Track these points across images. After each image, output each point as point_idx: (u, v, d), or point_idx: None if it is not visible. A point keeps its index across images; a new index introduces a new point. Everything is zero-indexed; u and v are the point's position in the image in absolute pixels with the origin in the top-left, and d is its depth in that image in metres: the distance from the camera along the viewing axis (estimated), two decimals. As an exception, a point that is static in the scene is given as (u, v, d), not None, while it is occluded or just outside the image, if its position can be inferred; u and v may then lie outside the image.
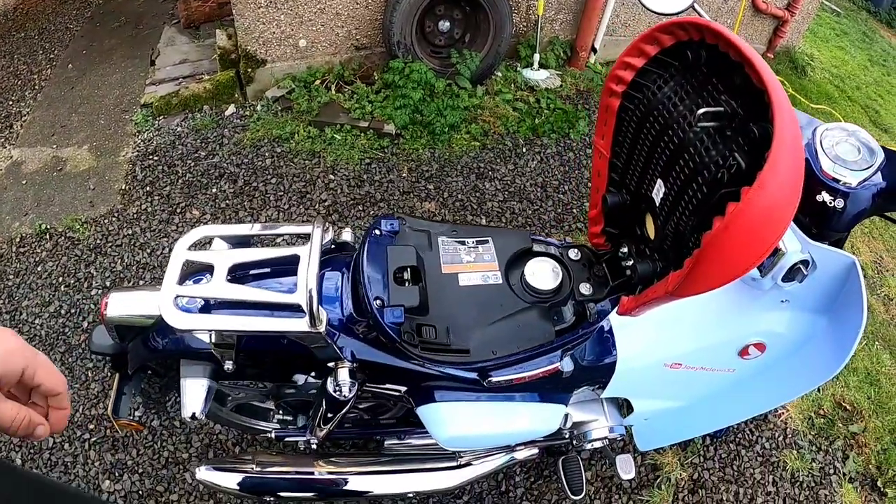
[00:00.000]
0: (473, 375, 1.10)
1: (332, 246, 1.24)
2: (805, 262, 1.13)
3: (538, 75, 3.12)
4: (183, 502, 1.83)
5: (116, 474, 1.84)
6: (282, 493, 1.51)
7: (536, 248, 1.19)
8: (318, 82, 3.00)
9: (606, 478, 2.01)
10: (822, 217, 1.14)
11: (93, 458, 1.86)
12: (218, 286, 1.02)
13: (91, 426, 1.91)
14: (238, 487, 1.48)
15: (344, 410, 1.20)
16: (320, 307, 0.98)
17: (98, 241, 2.44)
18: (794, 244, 1.13)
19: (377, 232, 1.14)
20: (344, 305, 1.11)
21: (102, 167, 2.73)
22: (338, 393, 1.10)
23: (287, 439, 1.63)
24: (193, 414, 1.19)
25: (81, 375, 2.08)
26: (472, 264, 1.14)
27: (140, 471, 1.85)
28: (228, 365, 1.13)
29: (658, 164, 0.99)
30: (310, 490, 1.51)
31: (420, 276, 1.09)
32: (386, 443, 1.62)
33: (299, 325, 0.98)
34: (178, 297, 1.00)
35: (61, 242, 2.46)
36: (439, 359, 1.04)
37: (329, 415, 1.23)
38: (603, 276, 1.17)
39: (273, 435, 1.64)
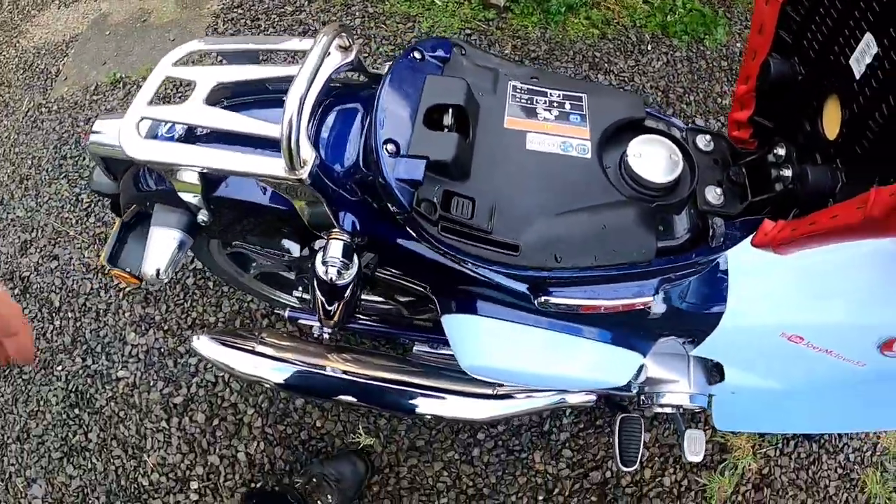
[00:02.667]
0: (522, 287, 0.70)
1: (360, 77, 0.85)
2: None
3: (680, -31, 2.53)
4: (200, 367, 1.68)
5: (143, 328, 1.73)
6: (276, 381, 1.21)
7: (651, 123, 0.76)
8: (434, -62, 2.53)
9: (667, 445, 1.62)
10: None
11: (125, 308, 1.76)
12: (189, 108, 0.74)
13: (138, 285, 1.76)
14: (231, 365, 1.20)
15: (345, 300, 0.85)
16: (305, 145, 0.64)
17: (168, 91, 2.23)
18: None
19: (416, 55, 0.74)
20: (350, 153, 0.74)
21: (185, 19, 2.56)
22: (325, 274, 0.74)
23: (301, 321, 1.32)
24: (157, 271, 0.91)
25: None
26: (550, 124, 0.72)
27: (166, 328, 1.72)
28: (202, 216, 0.85)
29: (870, 7, 0.52)
30: (308, 385, 1.20)
31: (467, 126, 0.68)
32: (415, 348, 1.28)
33: (274, 166, 0.66)
34: (143, 119, 0.74)
35: (133, 91, 2.30)
36: (468, 249, 0.64)
37: (327, 303, 0.88)
38: (741, 185, 0.73)
39: (287, 314, 1.33)
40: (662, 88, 2.21)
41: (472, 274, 0.73)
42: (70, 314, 1.78)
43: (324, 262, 0.75)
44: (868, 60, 0.54)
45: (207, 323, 1.74)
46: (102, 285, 1.79)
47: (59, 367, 1.71)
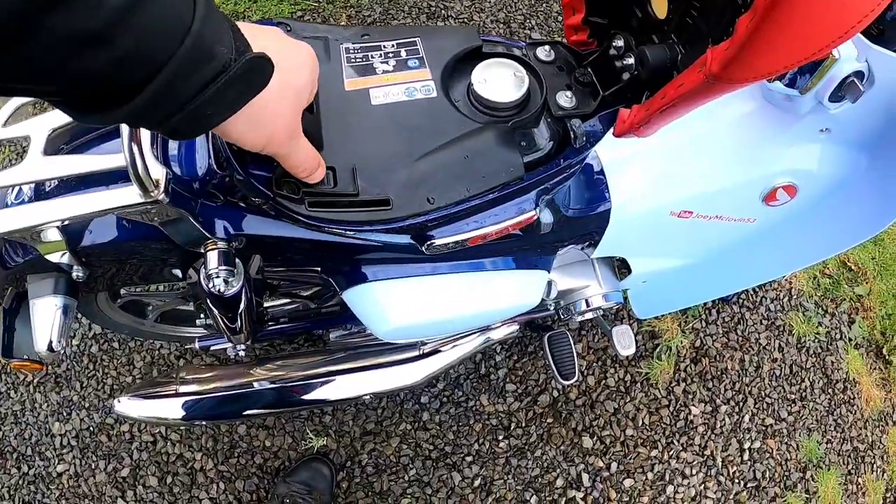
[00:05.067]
0: (407, 239, 0.70)
1: None
2: (860, 75, 0.78)
3: None
4: (134, 430, 1.60)
5: (65, 414, 1.62)
6: (212, 416, 1.18)
7: (489, 48, 0.77)
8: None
9: (600, 349, 1.70)
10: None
11: (39, 400, 1.64)
12: (28, 165, 0.69)
13: (41, 370, 1.61)
14: (160, 416, 1.15)
15: (243, 308, 0.83)
16: (153, 164, 0.61)
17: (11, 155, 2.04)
18: (847, 48, 0.76)
19: None
20: (201, 160, 0.71)
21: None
22: (214, 287, 0.72)
23: (213, 348, 1.28)
24: (50, 345, 0.86)
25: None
26: (390, 74, 0.72)
27: (87, 405, 1.63)
28: (77, 272, 0.80)
29: None
30: (242, 407, 1.17)
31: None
32: (331, 336, 1.27)
33: (128, 195, 0.62)
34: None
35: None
36: (341, 217, 0.64)
37: (228, 317, 0.85)
38: (590, 84, 0.76)
39: (197, 345, 1.28)
40: (503, 20, 2.23)
41: (356, 242, 0.73)
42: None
43: (208, 276, 0.72)
44: None
45: (126, 385, 1.65)
46: (10, 385, 1.66)
47: (-1, 486, 1.59)
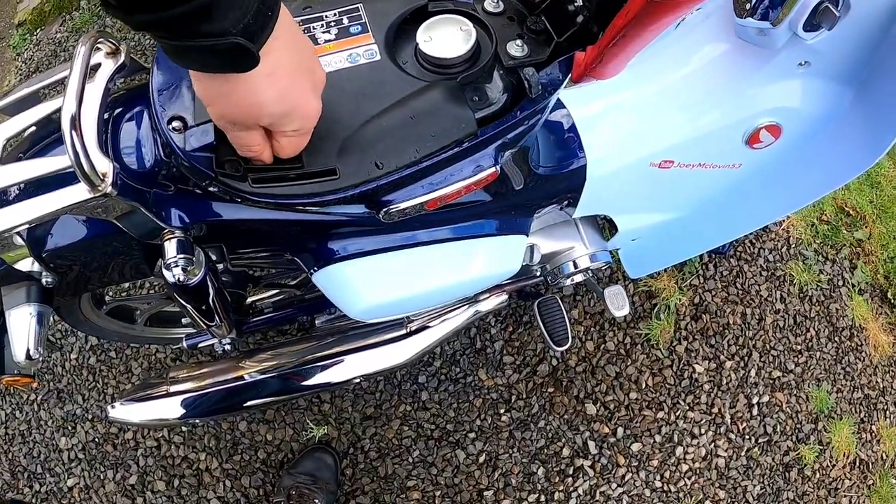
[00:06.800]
0: (362, 209, 0.68)
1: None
2: (835, 0, 0.74)
3: None
4: (138, 437, 1.61)
5: (70, 428, 1.63)
6: (205, 412, 1.17)
7: (434, 7, 0.74)
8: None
9: (597, 313, 1.68)
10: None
11: (44, 417, 1.65)
12: None
13: (33, 384, 1.64)
14: (154, 418, 1.15)
15: (211, 296, 0.81)
16: (99, 158, 0.59)
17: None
18: None
19: None
20: (149, 151, 0.70)
21: (-12, 100, 2.34)
22: (172, 277, 0.70)
23: (201, 345, 1.27)
24: (28, 353, 0.84)
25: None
26: (332, 43, 0.70)
27: (90, 417, 1.63)
28: (46, 278, 0.80)
29: None
30: (236, 401, 1.16)
31: None
32: (317, 321, 1.26)
33: (77, 192, 0.61)
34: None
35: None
36: (288, 191, 0.62)
37: (198, 309, 0.84)
38: (543, 31, 0.73)
39: (184, 344, 1.27)
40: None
41: (318, 219, 0.71)
42: (-5, 449, 1.68)
43: (167, 266, 0.71)
44: None
45: (127, 392, 1.65)
46: (14, 406, 1.67)
47: (13, 507, 1.60)
